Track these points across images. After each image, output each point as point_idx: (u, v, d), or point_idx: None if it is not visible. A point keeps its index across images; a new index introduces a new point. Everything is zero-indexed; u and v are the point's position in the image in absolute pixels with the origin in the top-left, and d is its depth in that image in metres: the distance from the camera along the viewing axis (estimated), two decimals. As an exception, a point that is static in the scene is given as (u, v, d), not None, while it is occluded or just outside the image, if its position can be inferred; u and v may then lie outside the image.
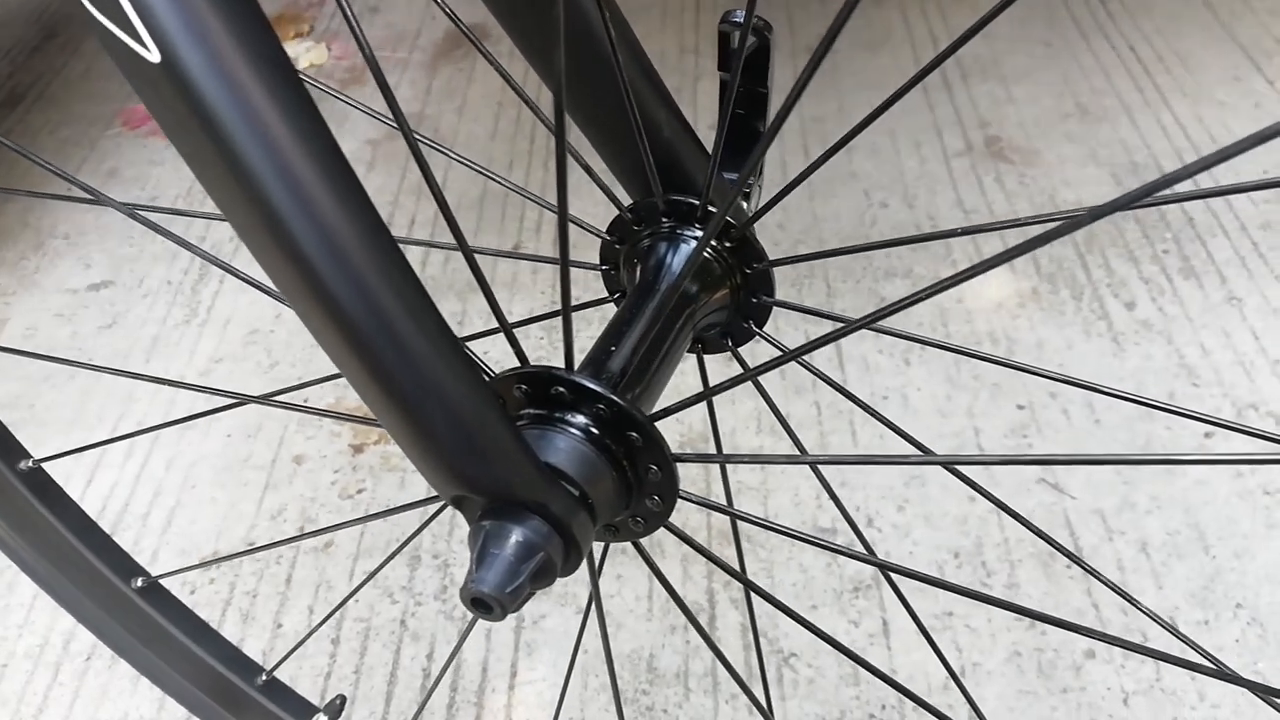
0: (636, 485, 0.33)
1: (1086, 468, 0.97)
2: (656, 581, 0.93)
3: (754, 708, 0.84)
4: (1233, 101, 1.37)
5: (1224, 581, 0.87)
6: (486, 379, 0.31)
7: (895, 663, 0.85)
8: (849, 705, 0.83)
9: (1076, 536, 0.92)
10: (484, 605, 0.29)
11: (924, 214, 1.24)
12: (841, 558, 0.93)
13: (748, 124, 0.43)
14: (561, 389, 0.32)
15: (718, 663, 0.87)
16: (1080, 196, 1.23)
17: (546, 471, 0.31)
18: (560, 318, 0.43)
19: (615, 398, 0.31)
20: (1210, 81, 1.40)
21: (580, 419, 0.32)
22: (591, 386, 0.32)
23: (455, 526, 0.99)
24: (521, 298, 1.19)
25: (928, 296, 0.33)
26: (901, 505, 0.96)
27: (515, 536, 0.30)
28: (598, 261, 0.44)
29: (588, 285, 1.19)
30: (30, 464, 0.58)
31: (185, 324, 1.24)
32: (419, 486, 1.02)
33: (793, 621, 0.89)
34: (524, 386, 0.33)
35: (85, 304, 1.28)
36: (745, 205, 0.44)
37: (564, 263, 0.32)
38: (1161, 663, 0.83)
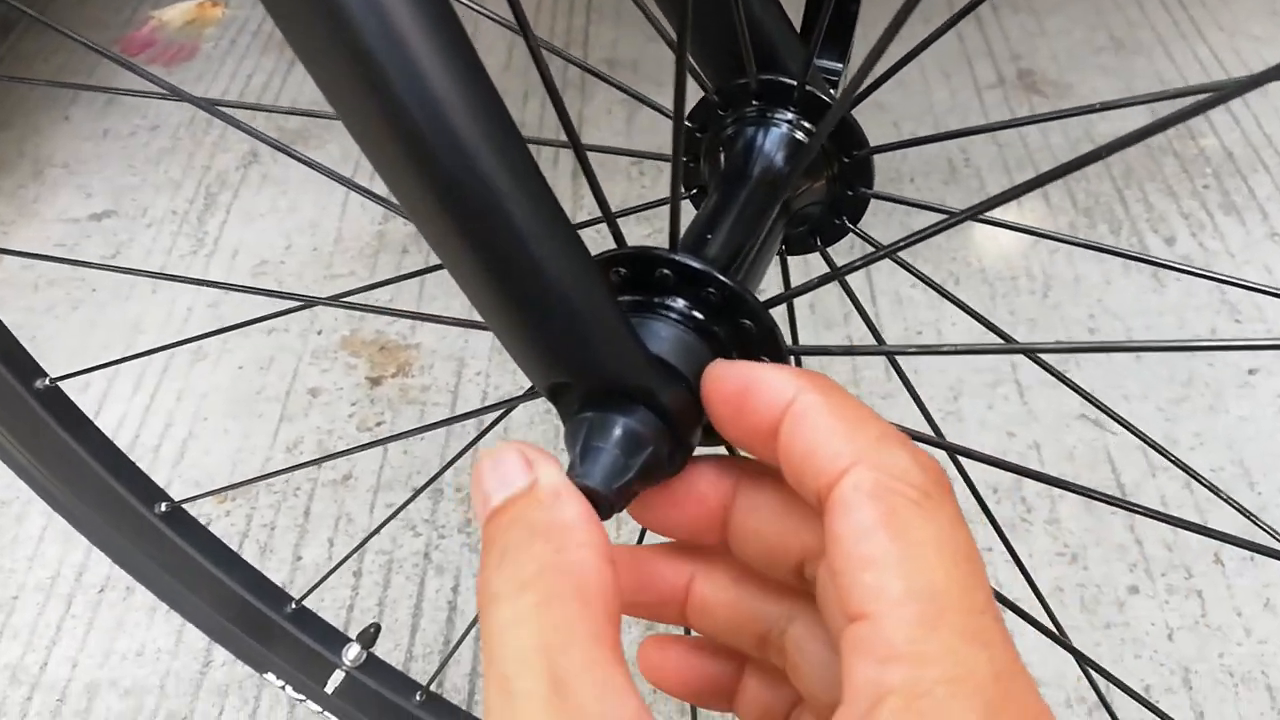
0: (746, 379, 0.30)
1: (1128, 405, 0.94)
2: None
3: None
4: (1268, 35, 1.33)
5: (1270, 518, 0.85)
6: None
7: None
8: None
9: (1119, 473, 0.89)
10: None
11: (955, 146, 1.20)
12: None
13: (842, 4, 0.39)
14: (666, 271, 0.29)
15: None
16: (1117, 130, 1.19)
17: (655, 359, 0.28)
18: (659, 208, 0.40)
19: (727, 280, 0.28)
20: (1245, 15, 1.36)
21: (683, 304, 0.29)
22: (701, 267, 0.28)
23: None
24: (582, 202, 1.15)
25: (1026, 191, 0.29)
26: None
27: (621, 428, 0.27)
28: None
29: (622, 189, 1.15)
30: (47, 383, 0.55)
31: (192, 254, 1.20)
32: (440, 418, 0.99)
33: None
34: (622, 270, 0.29)
35: (87, 234, 1.24)
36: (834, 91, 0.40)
37: (676, 155, 0.28)
38: (1206, 599, 0.81)
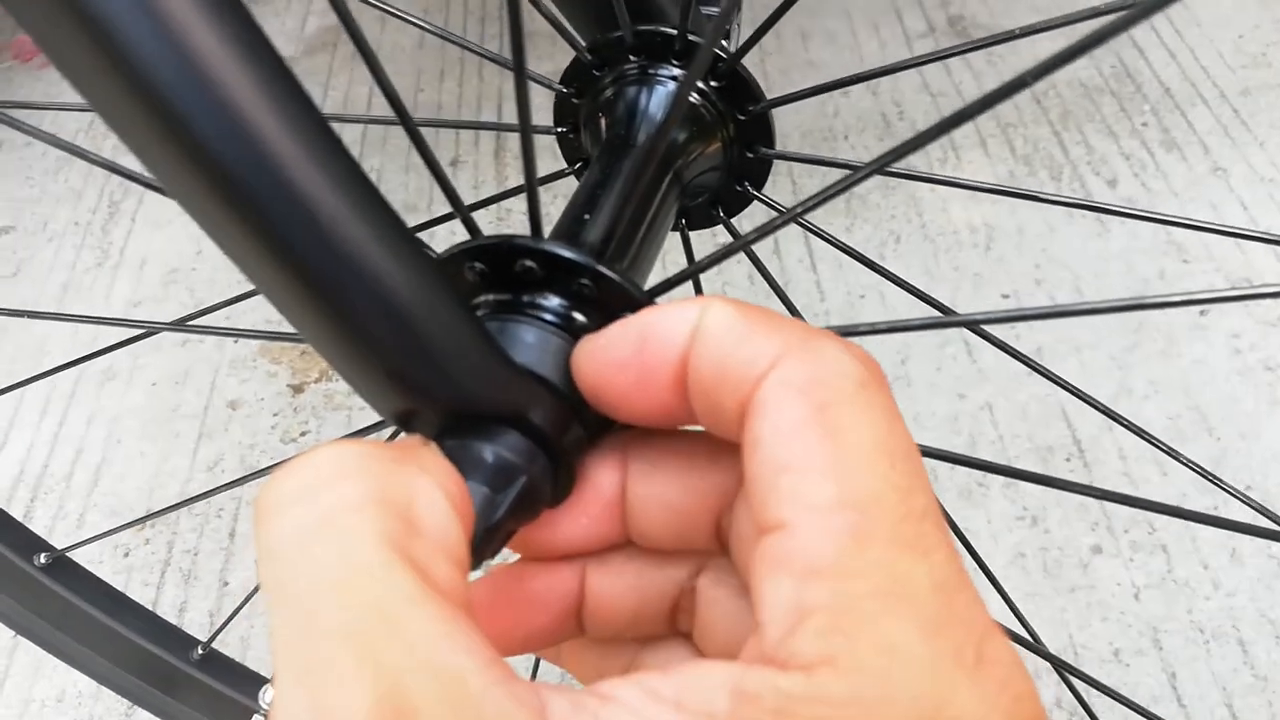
0: (632, 385, 0.25)
1: (1079, 356, 0.91)
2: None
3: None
4: (1200, -34, 1.30)
5: (1230, 464, 0.83)
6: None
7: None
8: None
9: (1074, 429, 0.86)
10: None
11: (889, 100, 1.16)
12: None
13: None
14: (530, 263, 0.24)
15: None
16: (1055, 76, 1.15)
17: (522, 371, 0.24)
18: (518, 196, 0.35)
19: (605, 269, 0.24)
20: (1175, -54, 1.33)
21: (556, 302, 0.25)
22: (572, 256, 0.24)
23: (411, 465, 0.91)
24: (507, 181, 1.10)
25: (942, 133, 0.25)
26: (888, 408, 0.90)
27: (487, 458, 0.23)
28: (551, 124, 0.36)
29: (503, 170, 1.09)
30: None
31: (97, 267, 1.13)
32: (367, 424, 0.94)
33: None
34: (479, 265, 0.25)
35: (-17, 252, 1.16)
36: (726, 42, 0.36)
37: (524, 125, 0.23)
38: (1172, 554, 0.79)
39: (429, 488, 0.19)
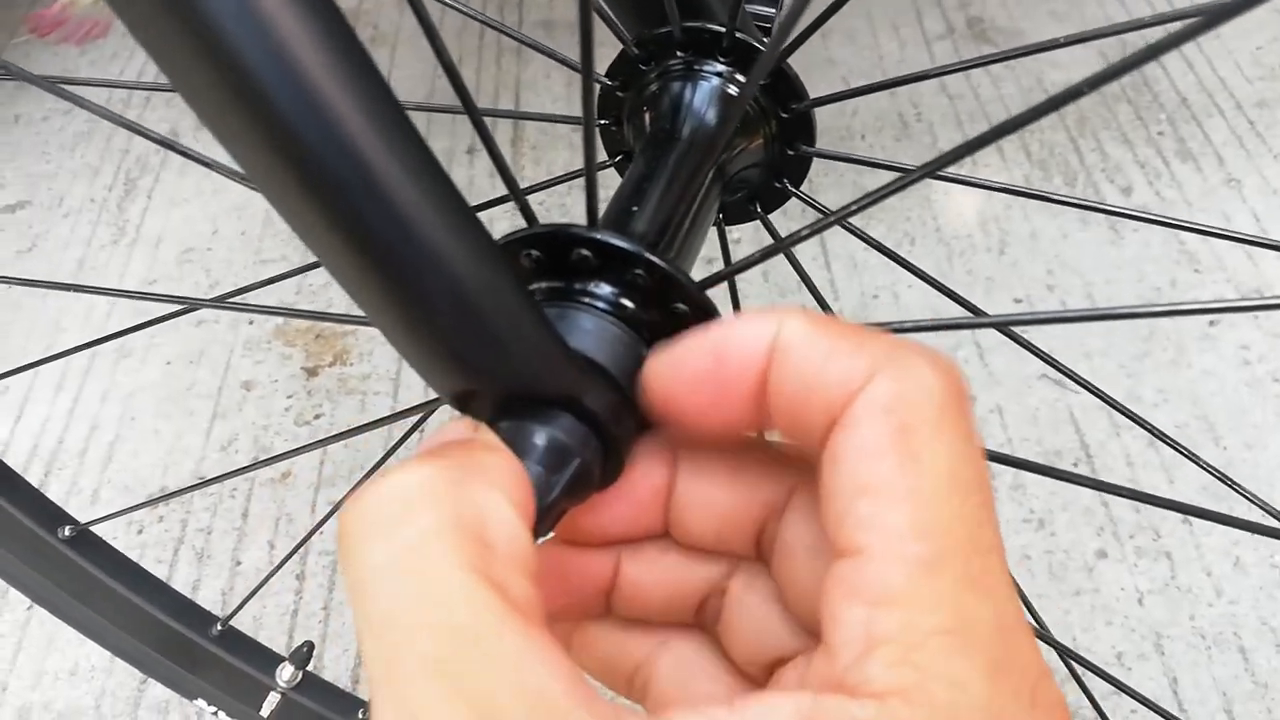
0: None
1: (1089, 363, 0.92)
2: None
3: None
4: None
5: (1236, 474, 0.83)
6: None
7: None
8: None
9: (1082, 433, 0.87)
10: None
11: (906, 101, 1.16)
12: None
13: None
14: (586, 252, 0.25)
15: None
16: (1070, 77, 1.16)
17: (576, 357, 0.24)
18: (573, 181, 0.36)
19: (659, 260, 0.24)
20: (1195, -43, 1.33)
21: (608, 290, 0.25)
22: (627, 247, 0.24)
23: (423, 450, 0.92)
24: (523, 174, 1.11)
25: (985, 144, 0.26)
26: (898, 408, 0.91)
27: (542, 440, 0.23)
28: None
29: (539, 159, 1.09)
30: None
31: (113, 244, 1.13)
32: (381, 409, 0.94)
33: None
34: (535, 252, 0.25)
35: (0, 227, 1.17)
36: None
37: (588, 119, 0.24)
38: (1175, 560, 0.79)
39: (498, 502, 0.20)
